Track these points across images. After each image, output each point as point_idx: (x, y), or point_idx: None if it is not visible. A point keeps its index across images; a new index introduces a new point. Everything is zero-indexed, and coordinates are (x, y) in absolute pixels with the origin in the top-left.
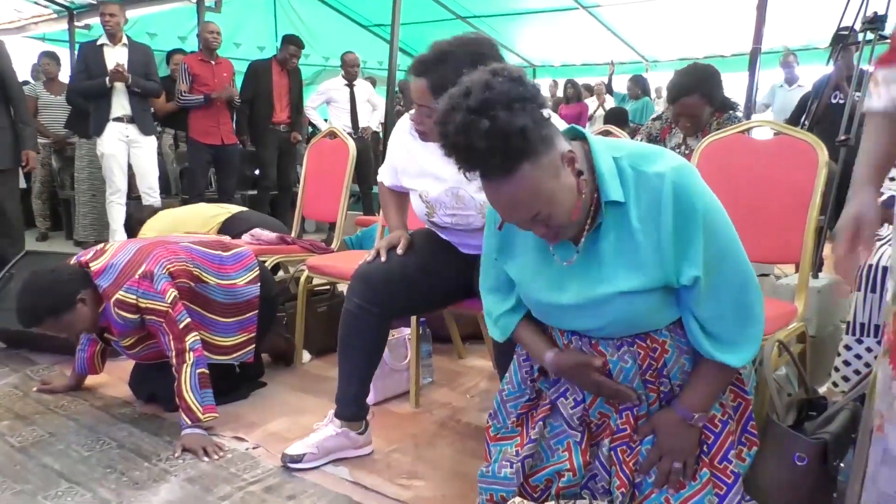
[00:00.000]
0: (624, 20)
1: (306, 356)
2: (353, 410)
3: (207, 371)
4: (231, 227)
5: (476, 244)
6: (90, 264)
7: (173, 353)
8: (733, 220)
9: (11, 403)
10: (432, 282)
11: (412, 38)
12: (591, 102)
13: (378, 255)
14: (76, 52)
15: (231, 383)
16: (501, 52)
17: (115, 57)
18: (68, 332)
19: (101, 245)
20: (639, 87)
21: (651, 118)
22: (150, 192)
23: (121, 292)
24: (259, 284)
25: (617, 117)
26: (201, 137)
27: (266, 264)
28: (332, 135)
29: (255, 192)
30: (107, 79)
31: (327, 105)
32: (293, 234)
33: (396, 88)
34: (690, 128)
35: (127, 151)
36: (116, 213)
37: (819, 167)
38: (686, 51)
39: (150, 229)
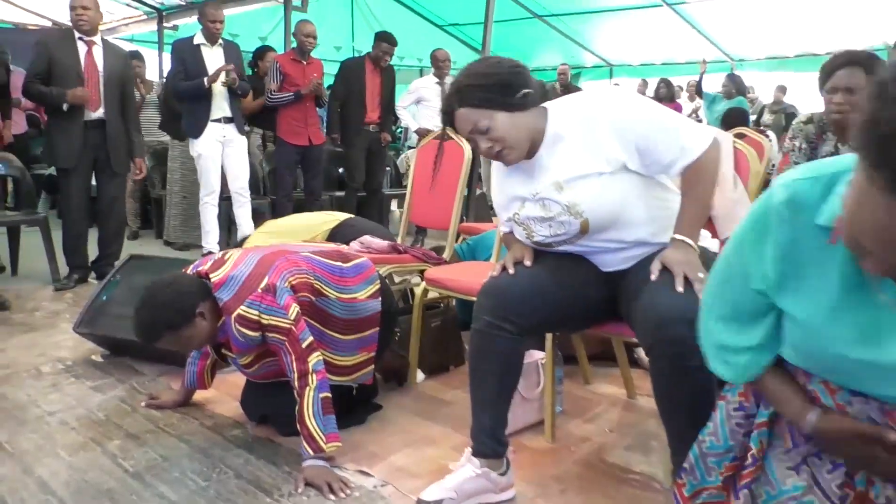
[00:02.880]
0: (710, 17)
1: (420, 376)
2: (491, 447)
3: (330, 395)
4: (340, 236)
5: (613, 260)
6: (210, 275)
7: (295, 375)
8: None
9: (121, 419)
10: (568, 296)
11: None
12: (685, 102)
13: (504, 269)
14: (171, 52)
15: (347, 406)
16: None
17: (213, 57)
18: (185, 348)
19: (221, 254)
20: (734, 85)
21: (800, 120)
22: (242, 192)
23: (243, 307)
24: (380, 299)
25: (738, 118)
26: (289, 137)
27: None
28: (445, 136)
29: (342, 193)
30: (205, 80)
31: (416, 105)
32: (399, 241)
33: None
34: (841, 119)
35: (221, 152)
36: (210, 214)
37: None
38: (775, 49)
39: (255, 240)
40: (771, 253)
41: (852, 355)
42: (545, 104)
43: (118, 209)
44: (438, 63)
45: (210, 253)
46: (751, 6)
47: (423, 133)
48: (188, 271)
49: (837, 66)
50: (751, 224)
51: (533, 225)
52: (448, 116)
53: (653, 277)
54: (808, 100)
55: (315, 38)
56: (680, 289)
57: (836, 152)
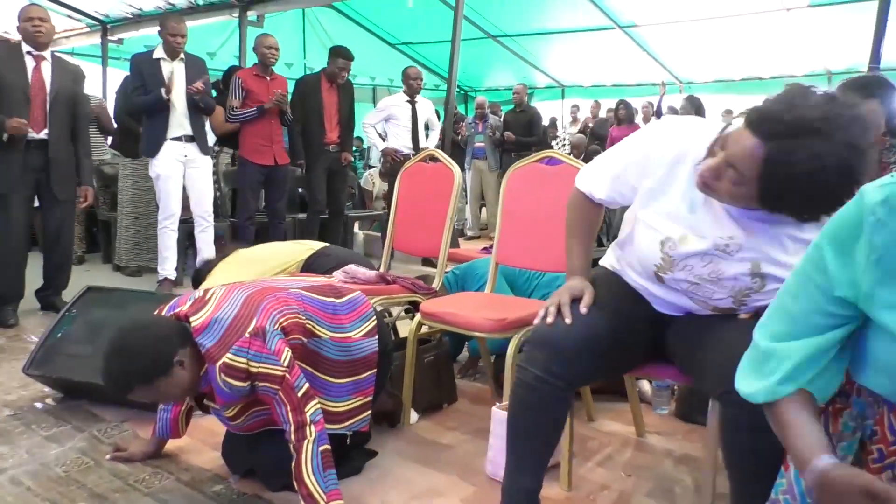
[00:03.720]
0: (660, 40)
1: (414, 416)
2: None
3: (330, 447)
4: (316, 267)
5: (676, 304)
6: (190, 319)
7: (292, 428)
8: None
9: (83, 476)
10: (620, 344)
11: (441, 57)
12: (642, 124)
13: (558, 312)
14: (130, 66)
15: (340, 453)
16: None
17: (175, 72)
18: (163, 401)
19: (201, 293)
20: (693, 107)
21: None
22: (206, 217)
23: (229, 355)
24: (377, 338)
25: None
26: (253, 157)
27: None
28: (432, 158)
29: (303, 215)
30: (163, 91)
31: (385, 123)
32: (382, 269)
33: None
34: None
35: (183, 173)
36: (169, 239)
37: None
38: (722, 72)
39: (221, 274)
40: (864, 258)
41: None
42: None
43: (65, 236)
44: (409, 80)
45: (165, 280)
46: (699, 31)
47: (391, 153)
48: (164, 312)
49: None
50: (835, 229)
51: (679, 269)
52: (742, 120)
53: (743, 316)
54: None
55: (277, 49)
56: None
57: None
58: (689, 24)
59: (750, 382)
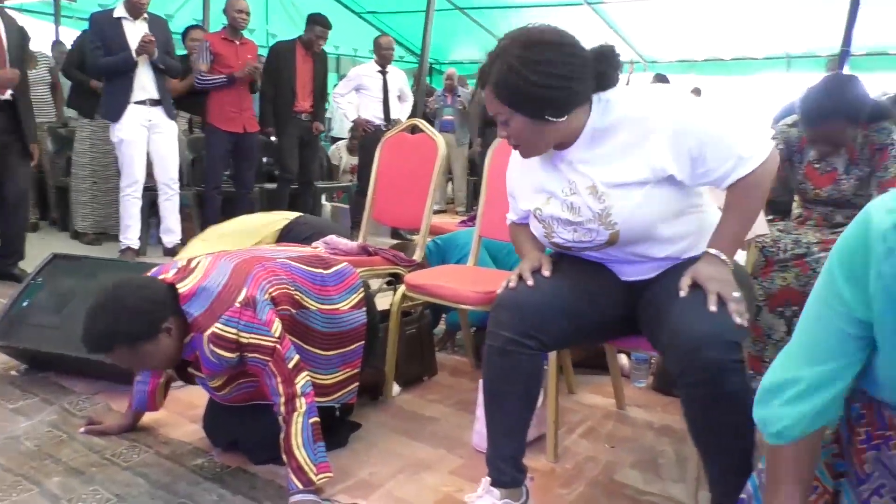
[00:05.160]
0: (626, 18)
1: (396, 389)
2: (512, 475)
3: (319, 419)
4: (292, 236)
5: (634, 270)
6: (177, 286)
7: (282, 400)
8: None
9: (56, 450)
10: (589, 309)
11: (408, 28)
12: None
13: (520, 279)
14: (89, 24)
15: (326, 427)
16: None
17: (136, 32)
18: (138, 367)
19: (185, 262)
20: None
21: (785, 123)
22: (171, 184)
23: (218, 325)
24: (365, 309)
25: None
26: (222, 124)
27: None
28: (415, 128)
29: (272, 185)
30: (133, 52)
31: (356, 93)
32: (361, 240)
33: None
34: (831, 151)
35: (147, 138)
36: (132, 207)
37: None
38: (685, 52)
39: (194, 251)
40: (874, 285)
41: None
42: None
43: (25, 202)
44: (381, 51)
45: (128, 249)
46: (665, 10)
47: (361, 123)
48: (148, 276)
49: (816, 122)
50: (844, 254)
51: (555, 225)
52: (480, 78)
53: (682, 294)
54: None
55: (248, 14)
56: (713, 308)
57: (822, 157)
58: (655, 3)
59: (764, 409)
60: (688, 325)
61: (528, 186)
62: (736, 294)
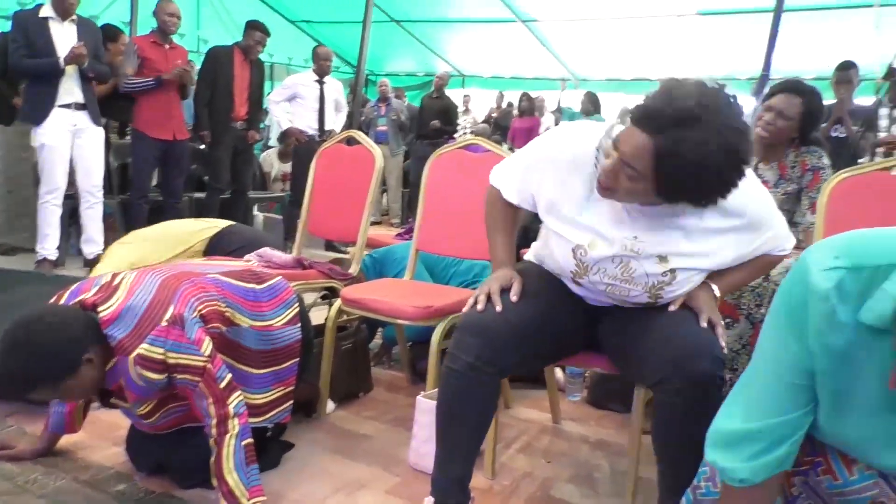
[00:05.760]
0: (558, 37)
1: (330, 405)
2: (457, 498)
3: (253, 440)
4: (222, 247)
5: (598, 300)
6: (98, 308)
7: (214, 421)
8: None
9: None
10: (553, 334)
11: (343, 38)
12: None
13: (489, 301)
14: (12, 23)
15: (258, 447)
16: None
17: (64, 34)
18: (63, 399)
19: (108, 277)
20: (592, 103)
21: None
22: (94, 192)
23: (144, 346)
24: (299, 325)
25: None
26: (150, 130)
27: None
28: (351, 140)
29: (202, 194)
30: (62, 59)
31: (290, 102)
32: (295, 253)
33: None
34: (765, 137)
35: (71, 143)
36: (52, 215)
37: None
38: (615, 72)
39: (115, 257)
40: (813, 342)
41: (877, 455)
42: None
43: None
44: (320, 61)
45: (45, 260)
46: (596, 30)
47: (294, 133)
48: (64, 300)
49: (779, 90)
50: (788, 308)
51: (594, 272)
52: (624, 118)
53: (672, 308)
54: None
55: (179, 18)
56: (705, 324)
57: (753, 171)
58: (586, 23)
59: (726, 458)
60: (681, 334)
61: (573, 213)
62: (722, 321)
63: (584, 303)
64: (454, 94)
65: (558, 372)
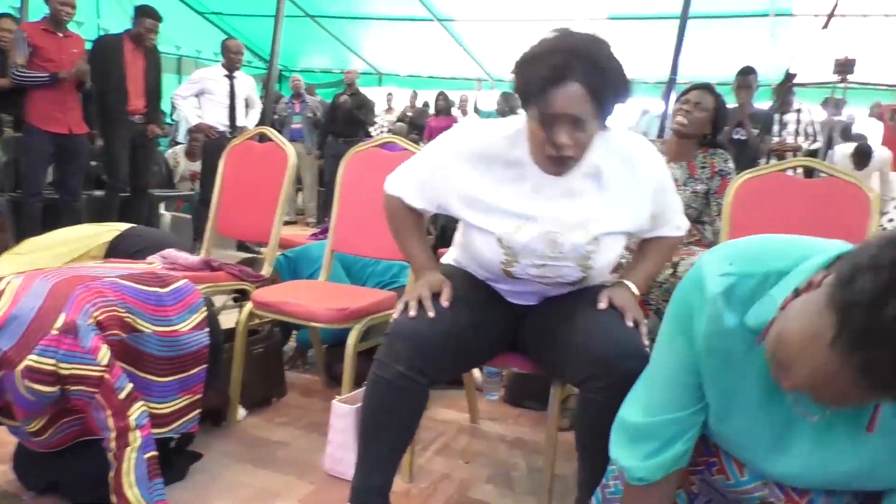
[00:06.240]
0: (474, 36)
1: (241, 412)
2: None
3: (157, 453)
4: (123, 249)
5: (526, 297)
6: None
7: (113, 434)
8: None
9: None
10: (482, 339)
11: (255, 32)
12: (461, 116)
13: (420, 306)
14: None
15: (163, 459)
16: None
17: None
18: None
19: None
20: (508, 104)
21: None
22: None
23: (32, 356)
24: (207, 330)
25: None
26: (43, 124)
27: None
28: (263, 136)
29: (101, 192)
30: None
31: (198, 97)
32: (203, 254)
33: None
34: (683, 129)
35: None
36: None
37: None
38: None
39: (6, 266)
40: (699, 343)
41: (760, 459)
42: None
43: None
44: (230, 54)
45: None
46: (511, 32)
47: (204, 129)
48: None
49: (694, 88)
50: (681, 309)
51: (522, 256)
52: (556, 72)
53: (601, 306)
54: None
55: (73, 7)
56: (630, 324)
57: None
58: (501, 24)
59: (626, 456)
60: (605, 333)
61: (492, 204)
62: (644, 321)
63: (509, 304)
64: (373, 92)
65: (476, 371)
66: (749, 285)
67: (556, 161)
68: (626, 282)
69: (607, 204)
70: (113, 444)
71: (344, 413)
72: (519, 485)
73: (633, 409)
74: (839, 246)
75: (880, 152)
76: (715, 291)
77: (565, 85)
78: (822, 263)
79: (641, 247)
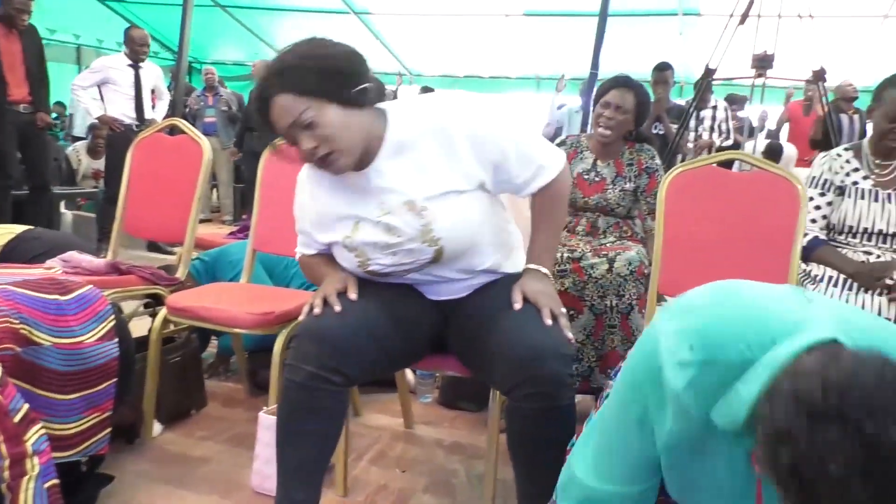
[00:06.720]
0: (392, 31)
1: (157, 427)
2: None
3: (58, 481)
4: (18, 254)
5: (450, 290)
6: None
7: (6, 463)
8: None
9: None
10: (401, 333)
11: (162, 21)
12: None
13: (325, 304)
14: None
15: (70, 485)
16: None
17: None
18: None
19: None
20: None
21: (557, 140)
22: None
23: None
24: (116, 340)
25: None
26: None
27: None
28: (174, 129)
29: None
30: None
31: (100, 88)
32: (110, 256)
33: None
34: (607, 133)
35: None
36: None
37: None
38: (448, 68)
39: None
40: (660, 439)
41: None
42: (381, 105)
43: None
44: (134, 45)
45: None
46: (429, 26)
47: (108, 121)
48: None
49: (612, 87)
50: (634, 393)
51: (371, 252)
52: (263, 104)
53: (517, 307)
54: None
55: None
56: (549, 322)
57: (592, 169)
58: (420, 18)
59: None
60: (525, 337)
61: (329, 216)
62: (563, 309)
63: (430, 301)
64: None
65: (409, 373)
66: (712, 377)
67: (322, 164)
68: (533, 266)
69: (420, 170)
70: (6, 474)
71: (271, 424)
72: (460, 492)
73: (583, 466)
74: (799, 324)
75: (788, 149)
76: (678, 387)
77: (273, 103)
78: (787, 358)
79: (531, 213)
